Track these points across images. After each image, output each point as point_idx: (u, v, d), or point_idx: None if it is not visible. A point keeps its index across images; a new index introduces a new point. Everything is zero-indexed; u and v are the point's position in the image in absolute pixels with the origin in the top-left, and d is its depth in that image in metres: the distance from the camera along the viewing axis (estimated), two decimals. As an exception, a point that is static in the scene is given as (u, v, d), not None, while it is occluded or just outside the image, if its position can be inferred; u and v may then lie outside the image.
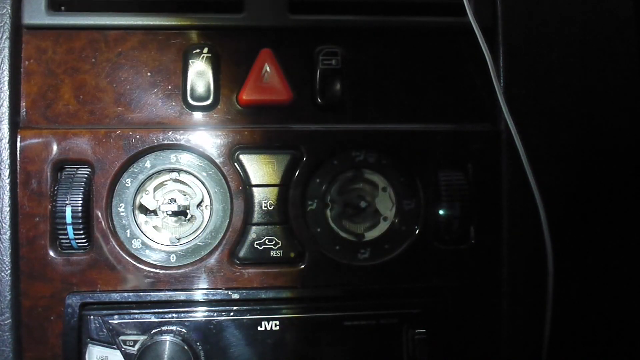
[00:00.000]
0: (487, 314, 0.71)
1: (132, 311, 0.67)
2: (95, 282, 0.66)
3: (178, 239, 0.68)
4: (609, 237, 0.73)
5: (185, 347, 0.65)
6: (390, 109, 0.71)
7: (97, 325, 0.66)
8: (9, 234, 0.64)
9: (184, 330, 0.66)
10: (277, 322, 0.68)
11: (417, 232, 0.70)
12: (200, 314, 0.67)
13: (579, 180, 0.73)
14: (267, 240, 0.68)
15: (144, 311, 0.67)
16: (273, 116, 0.70)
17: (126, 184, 0.68)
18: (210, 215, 0.69)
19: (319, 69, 0.70)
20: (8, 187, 0.65)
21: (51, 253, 0.66)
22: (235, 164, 0.68)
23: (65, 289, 0.66)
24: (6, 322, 0.65)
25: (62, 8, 0.69)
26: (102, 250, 0.66)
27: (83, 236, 0.65)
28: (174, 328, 0.66)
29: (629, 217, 0.74)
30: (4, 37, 0.65)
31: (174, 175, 0.69)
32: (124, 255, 0.67)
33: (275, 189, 0.68)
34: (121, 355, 0.66)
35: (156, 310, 0.67)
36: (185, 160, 0.68)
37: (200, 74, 0.68)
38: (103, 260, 0.66)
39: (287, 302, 0.68)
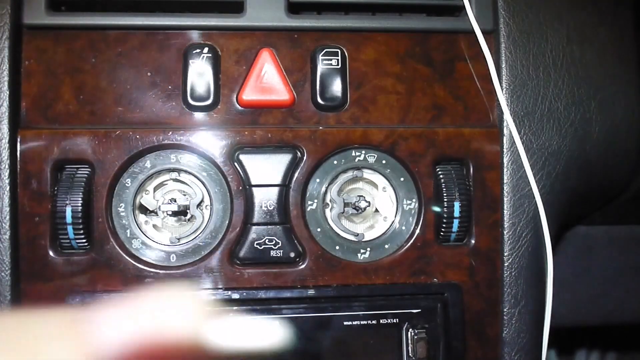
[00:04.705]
0: (487, 314, 0.71)
1: (132, 311, 0.66)
2: (95, 282, 0.66)
3: (178, 239, 0.68)
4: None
5: (186, 347, 0.65)
6: (390, 109, 0.71)
7: (97, 325, 0.66)
8: (9, 234, 0.64)
9: (184, 330, 0.66)
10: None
11: (417, 232, 0.70)
12: (200, 314, 0.67)
13: (579, 180, 0.73)
14: (267, 240, 0.68)
15: (144, 311, 0.67)
16: (273, 116, 0.70)
17: (126, 184, 0.68)
18: (210, 215, 0.69)
19: (319, 69, 0.70)
20: (8, 187, 0.64)
21: (51, 253, 0.66)
22: (235, 164, 0.68)
23: (65, 289, 0.66)
24: (6, 322, 0.65)
25: (62, 8, 0.69)
26: (102, 250, 0.66)
27: (83, 236, 0.65)
28: (174, 328, 0.66)
29: (629, 216, 0.74)
30: (4, 37, 0.65)
31: (174, 175, 0.69)
32: (124, 255, 0.67)
33: (275, 189, 0.68)
34: (121, 355, 0.66)
35: (156, 310, 0.67)
36: (185, 160, 0.68)
37: (200, 74, 0.68)
38: (103, 260, 0.66)
39: (287, 302, 0.68)
